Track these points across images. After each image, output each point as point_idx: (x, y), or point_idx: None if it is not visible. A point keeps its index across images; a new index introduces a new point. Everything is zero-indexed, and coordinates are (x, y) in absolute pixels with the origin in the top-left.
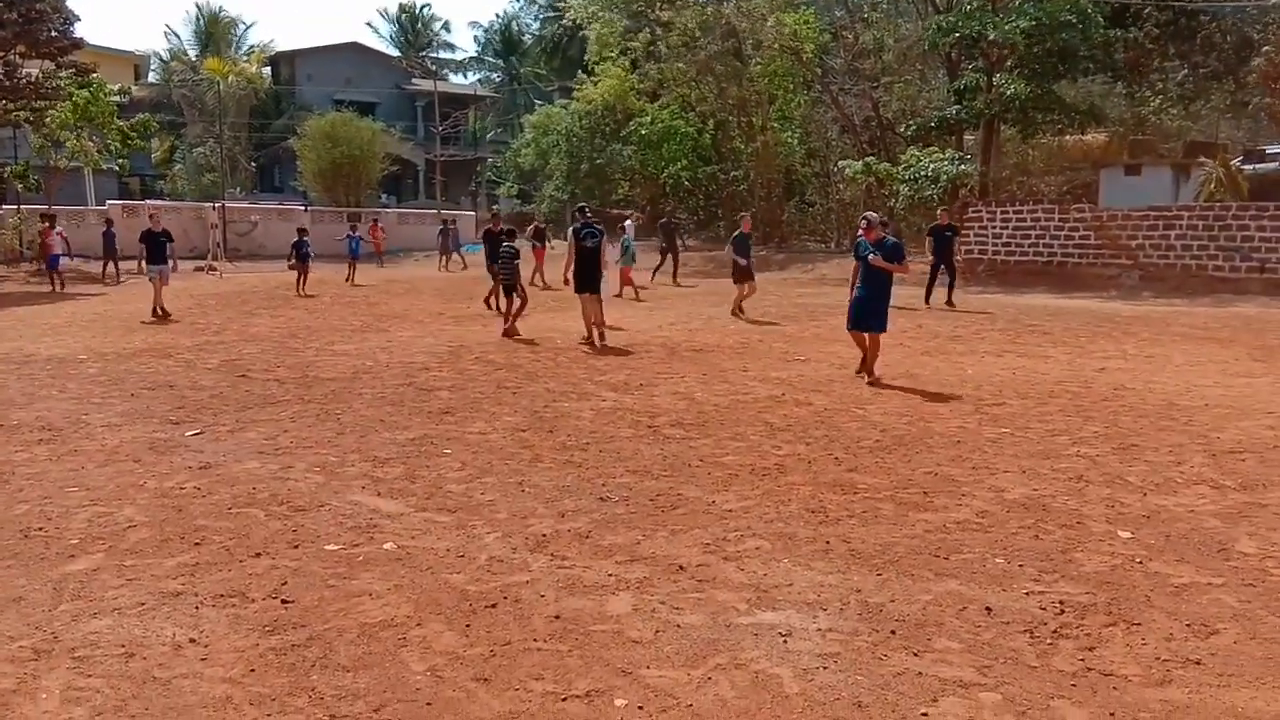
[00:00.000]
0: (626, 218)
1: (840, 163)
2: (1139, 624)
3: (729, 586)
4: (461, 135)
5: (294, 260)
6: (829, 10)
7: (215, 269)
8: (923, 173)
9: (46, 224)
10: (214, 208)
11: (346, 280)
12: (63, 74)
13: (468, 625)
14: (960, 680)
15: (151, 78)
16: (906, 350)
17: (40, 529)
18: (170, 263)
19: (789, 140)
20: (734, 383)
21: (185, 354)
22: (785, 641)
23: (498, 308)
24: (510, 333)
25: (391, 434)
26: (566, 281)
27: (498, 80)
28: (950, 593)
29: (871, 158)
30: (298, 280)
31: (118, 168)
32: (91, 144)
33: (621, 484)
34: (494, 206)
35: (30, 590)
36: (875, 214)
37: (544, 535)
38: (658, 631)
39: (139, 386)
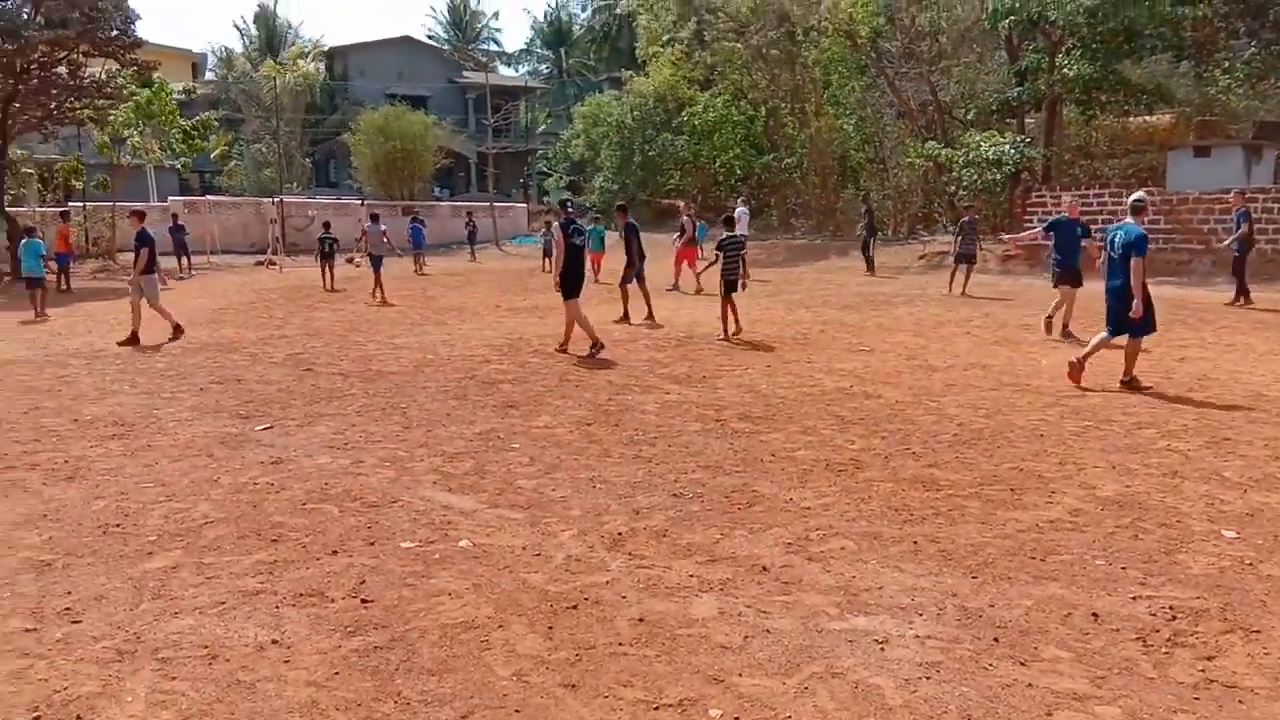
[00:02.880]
0: (683, 208)
1: (897, 148)
2: (1258, 631)
3: (817, 589)
4: (513, 127)
5: (319, 255)
6: None
7: (275, 264)
8: (984, 157)
9: (61, 220)
10: (272, 203)
11: (415, 271)
12: (125, 73)
13: (550, 627)
14: (1074, 693)
15: (209, 75)
16: (975, 340)
17: (118, 525)
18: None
19: (843, 126)
20: (799, 374)
21: (251, 348)
22: (882, 649)
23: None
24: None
25: (458, 428)
26: (557, 286)
27: (547, 72)
28: (1052, 597)
29: (930, 142)
30: (323, 275)
31: (179, 165)
32: (154, 142)
33: (694, 480)
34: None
35: (111, 588)
36: (1144, 194)
37: (620, 533)
38: (747, 637)
39: (207, 381)
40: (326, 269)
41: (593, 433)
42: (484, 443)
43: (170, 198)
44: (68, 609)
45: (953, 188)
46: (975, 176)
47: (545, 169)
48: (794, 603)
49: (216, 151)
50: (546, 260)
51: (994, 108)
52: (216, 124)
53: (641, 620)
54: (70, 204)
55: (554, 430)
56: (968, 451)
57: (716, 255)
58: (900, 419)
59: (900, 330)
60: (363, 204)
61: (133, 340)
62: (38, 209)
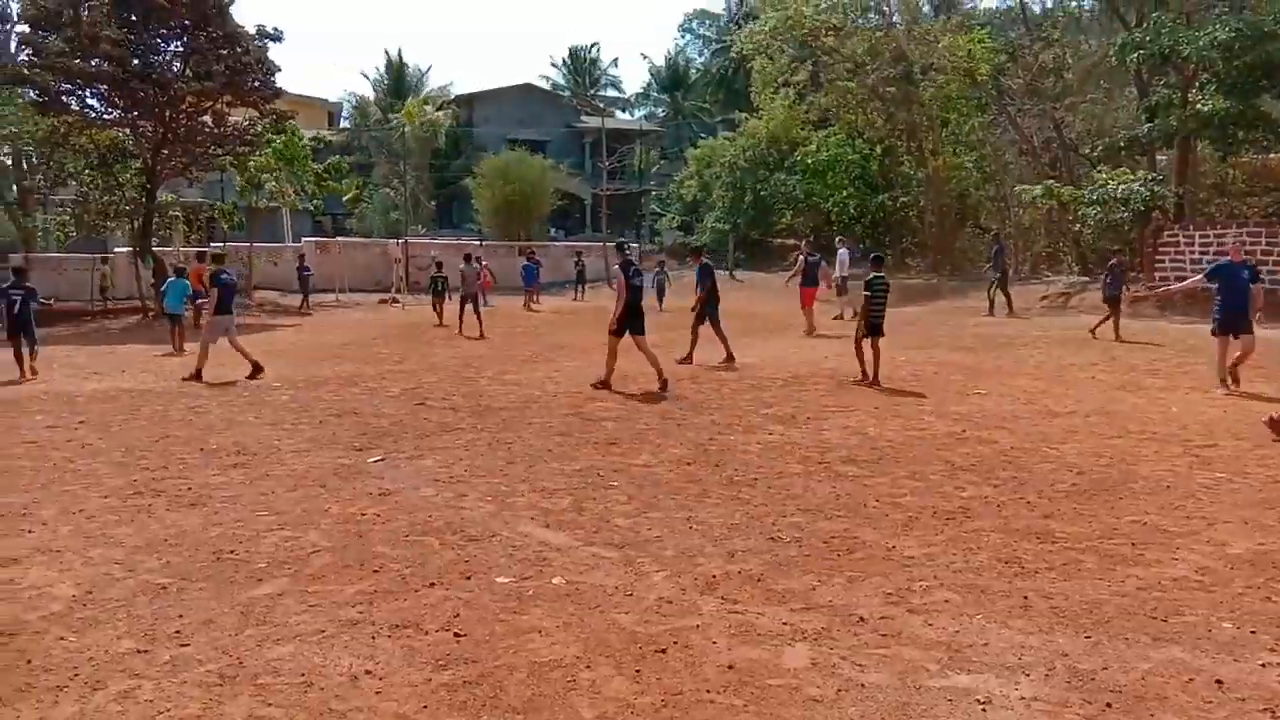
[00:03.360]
0: (803, 246)
1: (1018, 187)
2: None
3: (916, 643)
4: (627, 169)
5: (432, 293)
6: (1006, 30)
7: (398, 301)
8: (1111, 195)
9: (198, 261)
10: (397, 244)
11: (524, 307)
12: (264, 121)
13: (638, 670)
14: None
15: (343, 123)
16: (1100, 385)
17: (232, 552)
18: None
19: (963, 165)
20: (909, 417)
21: (370, 382)
22: (984, 710)
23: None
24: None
25: (559, 464)
26: (613, 330)
27: (663, 115)
28: (1172, 661)
29: (1053, 181)
30: (435, 311)
31: (312, 208)
32: (289, 186)
33: (793, 524)
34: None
35: (220, 613)
36: None
37: (714, 576)
38: (840, 690)
39: (326, 413)
40: (438, 305)
41: (692, 472)
42: (583, 480)
43: (304, 239)
44: (178, 632)
45: (1077, 226)
46: (1100, 216)
47: (658, 209)
48: (892, 656)
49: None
50: (659, 301)
51: (1122, 145)
52: (347, 168)
53: (731, 668)
54: (212, 245)
55: (653, 469)
56: (1087, 502)
57: (864, 296)
58: (1015, 466)
59: (1019, 373)
60: (480, 244)
61: (196, 377)
62: (182, 249)
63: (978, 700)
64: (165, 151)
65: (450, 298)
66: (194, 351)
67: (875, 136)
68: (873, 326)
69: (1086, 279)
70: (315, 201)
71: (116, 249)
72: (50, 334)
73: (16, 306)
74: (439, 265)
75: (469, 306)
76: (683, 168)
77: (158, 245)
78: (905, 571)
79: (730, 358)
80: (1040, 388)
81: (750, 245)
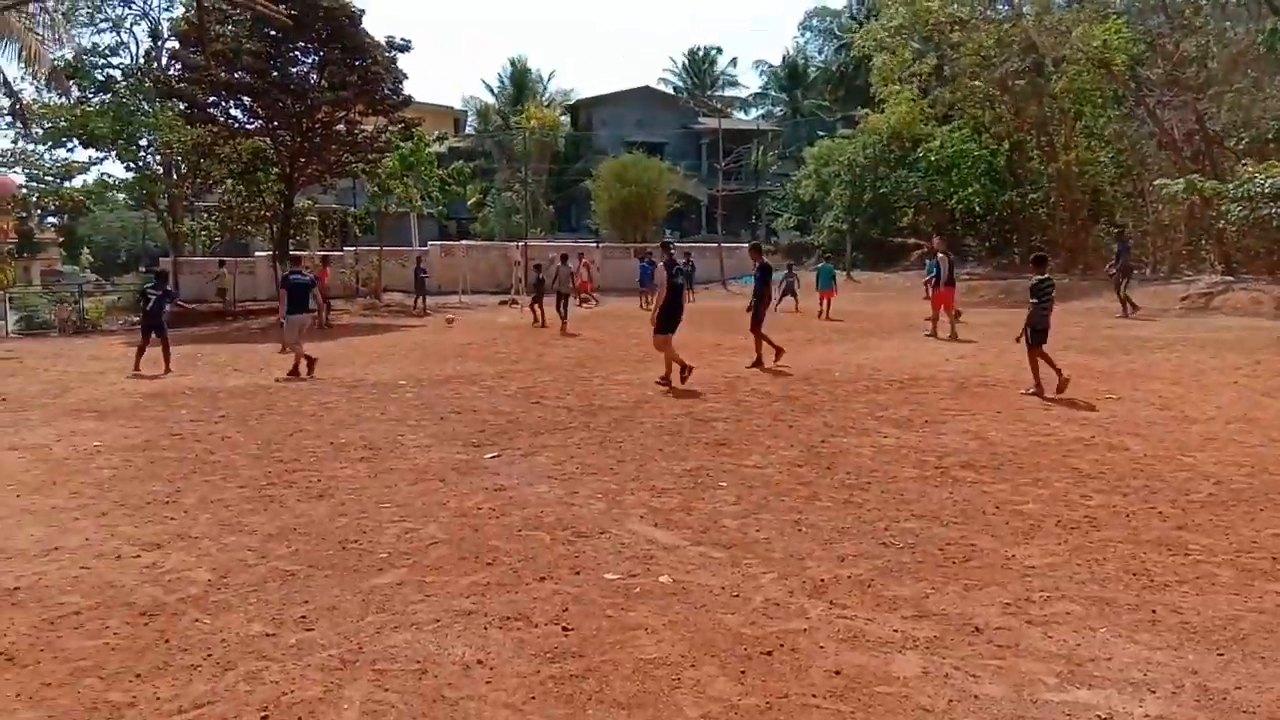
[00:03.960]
0: (936, 244)
1: (1157, 181)
2: None
3: (1034, 655)
4: (743, 170)
5: (514, 295)
6: (1144, 18)
7: (517, 303)
8: (1259, 190)
9: (324, 265)
10: (517, 247)
11: (641, 307)
12: (393, 129)
13: (742, 672)
14: None
15: (468, 130)
16: (1242, 390)
17: (356, 542)
18: (311, 310)
19: (1097, 159)
20: (1033, 421)
21: (489, 381)
22: None
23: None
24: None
25: (669, 463)
26: (657, 329)
27: (780, 114)
28: None
29: (1195, 175)
30: (535, 314)
31: (436, 213)
32: (415, 191)
33: (906, 529)
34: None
35: (343, 600)
36: None
37: (822, 580)
38: (951, 701)
39: (448, 410)
40: (536, 307)
41: (803, 474)
42: (693, 480)
43: (429, 242)
44: (303, 617)
45: (1220, 223)
46: (1246, 212)
47: (774, 209)
48: (1007, 668)
49: (472, 199)
50: (786, 302)
51: (1271, 136)
52: (470, 172)
53: (838, 673)
54: (345, 249)
55: (764, 470)
56: (1224, 514)
57: (1030, 303)
58: (1147, 474)
59: (1154, 377)
60: (598, 247)
61: (294, 374)
62: (317, 252)
63: (1098, 716)
64: (302, 159)
65: (510, 303)
66: (327, 349)
67: (1003, 131)
68: (1038, 333)
69: (1230, 279)
70: (440, 206)
71: (258, 253)
72: (197, 333)
73: (150, 304)
74: (538, 268)
75: (563, 305)
76: (800, 167)
77: (294, 249)
78: (1024, 581)
79: (759, 363)
80: (1177, 393)
81: (869, 245)
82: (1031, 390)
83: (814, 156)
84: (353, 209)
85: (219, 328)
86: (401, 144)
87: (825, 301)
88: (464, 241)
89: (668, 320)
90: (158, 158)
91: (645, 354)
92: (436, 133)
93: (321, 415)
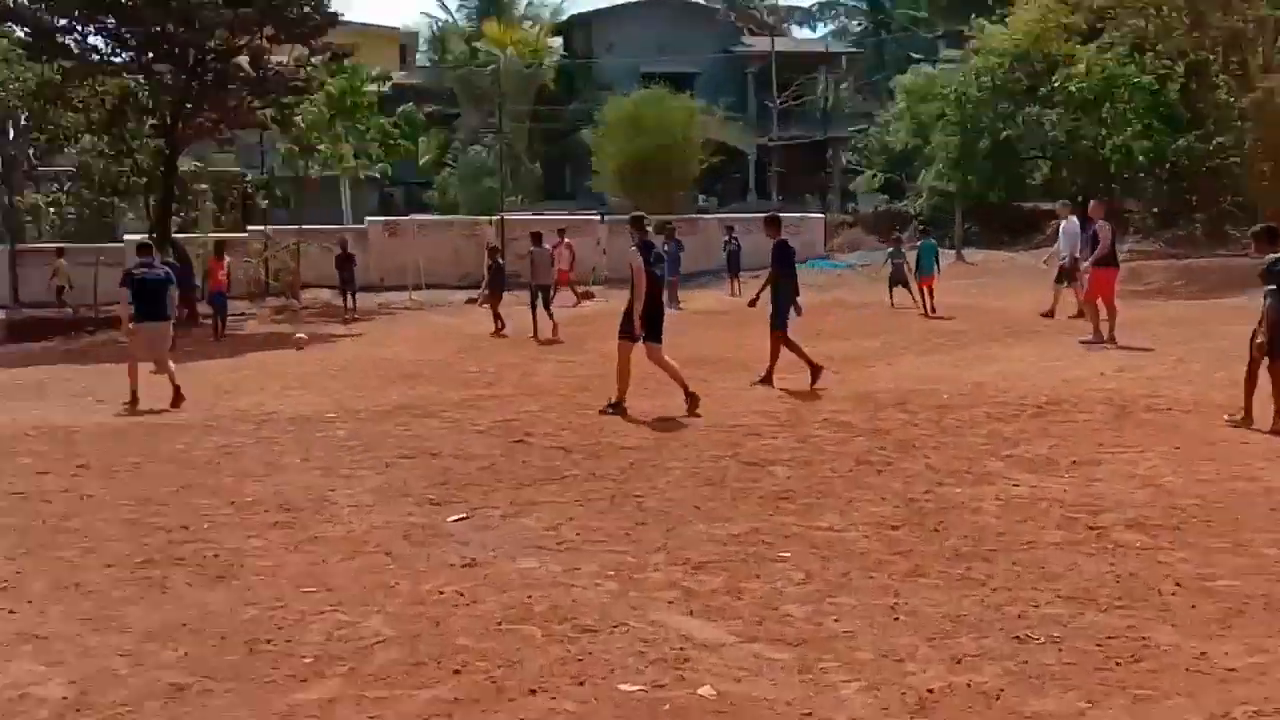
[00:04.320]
0: (1091, 209)
1: None
2: None
3: None
4: (808, 110)
5: (485, 291)
6: None
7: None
8: None
9: (219, 254)
10: (490, 223)
11: (731, 294)
12: (314, 60)
13: None
14: None
15: (420, 60)
16: None
17: (269, 641)
18: (167, 317)
19: None
20: (1227, 460)
21: (451, 412)
22: None
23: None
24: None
25: (708, 526)
26: (625, 333)
27: (859, 29)
28: None
29: None
30: (494, 317)
31: (378, 174)
32: (348, 146)
33: (1049, 616)
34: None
35: None
36: None
37: (930, 691)
38: None
39: (395, 454)
40: (492, 305)
41: (899, 540)
42: (743, 548)
43: (368, 219)
44: None
45: None
46: None
47: (852, 164)
48: None
49: (426, 157)
50: (896, 294)
51: None
52: (423, 120)
53: None
54: (250, 229)
55: (843, 534)
56: None
57: (1266, 299)
58: None
59: None
60: (602, 220)
61: (131, 405)
62: (211, 234)
63: None
64: (189, 105)
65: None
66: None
67: (1175, 49)
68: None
69: None
70: (381, 166)
71: (128, 236)
72: (41, 349)
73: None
74: (494, 251)
75: (539, 302)
76: (888, 104)
77: (179, 230)
78: (1222, 690)
79: (768, 377)
80: None
81: (985, 213)
82: (1237, 418)
83: (907, 90)
84: (260, 174)
85: (70, 341)
86: (328, 81)
87: (925, 291)
88: (416, 216)
89: (649, 323)
90: None
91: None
92: (377, 68)
93: (220, 463)
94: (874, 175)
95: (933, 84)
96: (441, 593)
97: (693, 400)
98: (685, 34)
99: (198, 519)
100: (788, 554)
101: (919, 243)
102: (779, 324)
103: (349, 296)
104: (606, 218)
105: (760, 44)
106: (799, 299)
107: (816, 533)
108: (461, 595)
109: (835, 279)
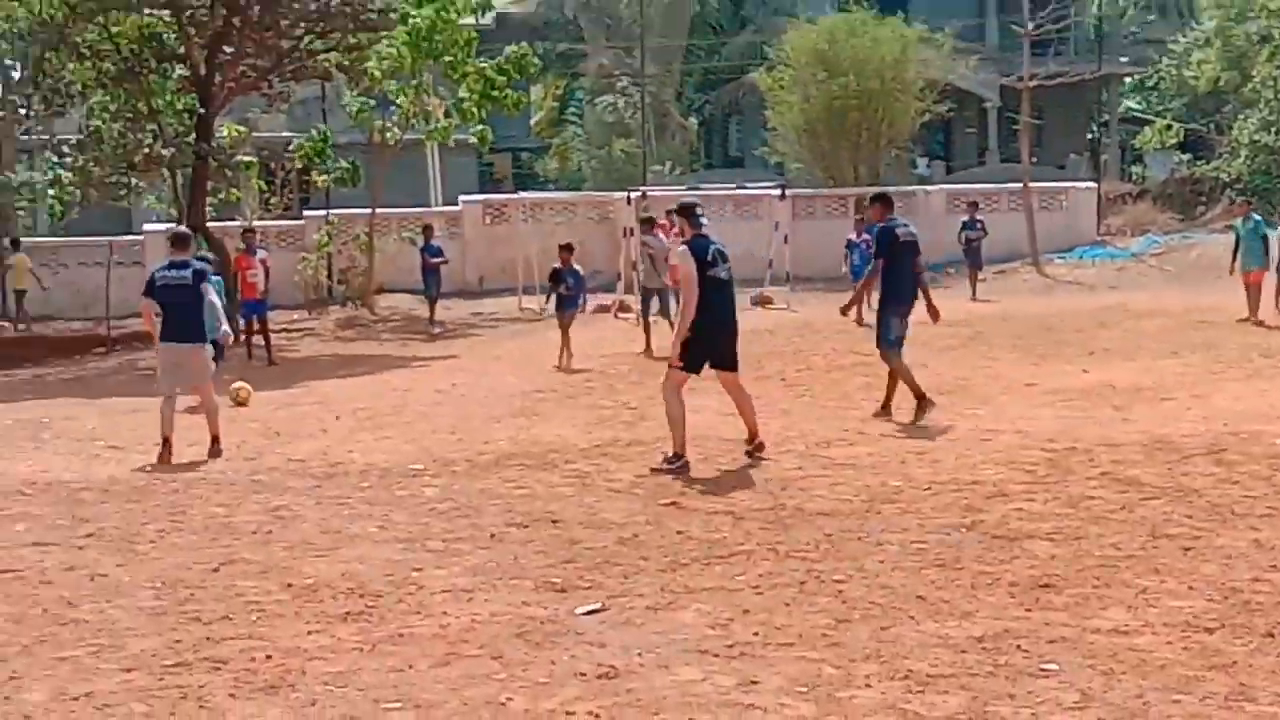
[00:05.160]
0: None
1: None
2: None
3: None
4: (1072, 37)
5: (551, 304)
6: None
7: (630, 310)
8: None
9: (243, 248)
10: (629, 200)
11: (973, 298)
12: None
13: None
14: None
15: None
16: None
17: None
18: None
19: None
20: None
21: (576, 461)
22: None
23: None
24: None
25: (938, 625)
26: (676, 362)
27: None
28: None
29: None
30: (563, 338)
31: (475, 139)
32: (437, 100)
33: None
34: (1148, 170)
35: None
36: None
37: None
38: None
39: (502, 522)
40: (561, 322)
41: (1215, 647)
42: (988, 658)
43: (461, 197)
44: None
45: None
46: None
47: (1136, 111)
48: None
49: (540, 114)
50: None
51: None
52: (538, 64)
53: None
54: (307, 214)
55: (1133, 638)
56: None
57: None
58: None
59: None
60: (782, 195)
61: (163, 454)
62: (257, 220)
63: None
64: (228, 49)
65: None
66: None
67: None
68: None
69: None
70: (478, 130)
71: (147, 225)
72: (35, 376)
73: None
74: (567, 249)
75: (651, 307)
76: (1187, 27)
77: (217, 215)
78: None
79: (885, 408)
80: None
81: None
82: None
83: (1217, 3)
84: (316, 137)
85: (76, 366)
86: (412, 12)
87: (1252, 290)
88: (526, 194)
89: (711, 343)
90: None
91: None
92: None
93: (271, 532)
94: (1168, 126)
95: None
96: (569, 713)
97: (758, 448)
98: None
99: (243, 608)
100: (1054, 665)
101: (1238, 221)
102: (886, 341)
103: (433, 306)
104: (788, 192)
105: None
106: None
107: (1095, 636)
108: (596, 718)
109: (1115, 273)
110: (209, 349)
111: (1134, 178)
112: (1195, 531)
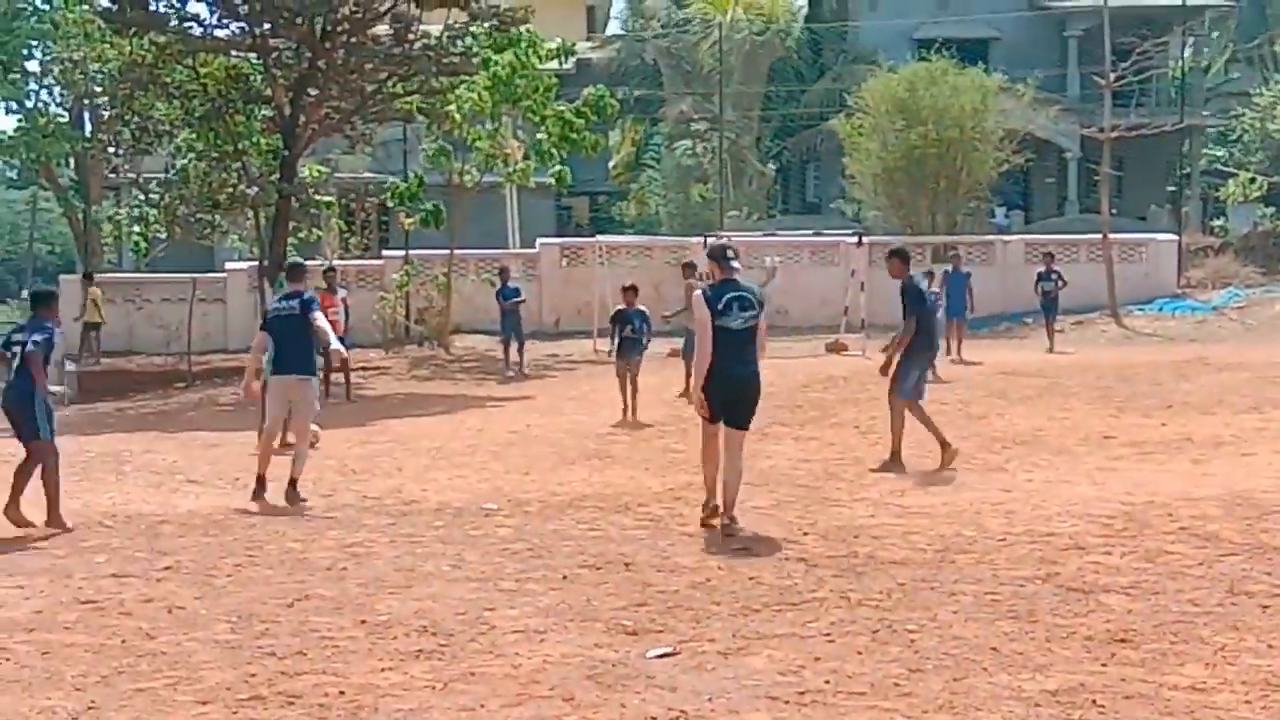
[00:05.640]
0: None
1: None
2: None
3: None
4: (1154, 88)
5: (613, 347)
6: None
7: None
8: None
9: (324, 287)
10: (705, 245)
11: (1050, 350)
12: (476, 30)
13: None
14: None
15: (613, 28)
16: None
17: None
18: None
19: None
20: None
21: (652, 506)
22: None
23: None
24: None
25: (1011, 678)
26: (701, 403)
27: None
28: None
29: None
30: (623, 387)
31: (553, 180)
32: (516, 143)
33: None
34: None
35: None
36: None
37: None
38: None
39: (575, 563)
40: (626, 380)
41: None
42: (1062, 712)
43: (539, 239)
44: None
45: None
46: None
47: (1220, 163)
48: None
49: (617, 157)
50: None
51: None
52: (616, 106)
53: None
54: (387, 253)
55: (1211, 695)
56: None
57: None
58: None
59: None
60: (859, 242)
61: (257, 493)
62: (336, 259)
63: None
64: (313, 90)
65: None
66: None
67: None
68: None
69: None
70: (556, 170)
71: (229, 264)
72: (119, 411)
73: (15, 365)
74: (629, 291)
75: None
76: (1272, 79)
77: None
78: None
79: (894, 458)
80: None
81: None
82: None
83: None
84: (400, 181)
85: (160, 399)
86: (494, 57)
87: None
88: (602, 238)
89: (725, 397)
90: (58, 92)
91: (960, 456)
92: (557, 39)
93: (345, 569)
94: (1251, 179)
95: None
96: None
97: (731, 520)
98: None
99: (317, 643)
100: None
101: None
102: (904, 391)
103: (512, 346)
104: (865, 239)
105: None
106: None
107: (1172, 693)
108: None
109: (1195, 326)
110: (314, 382)
111: (1216, 230)
112: (1274, 589)
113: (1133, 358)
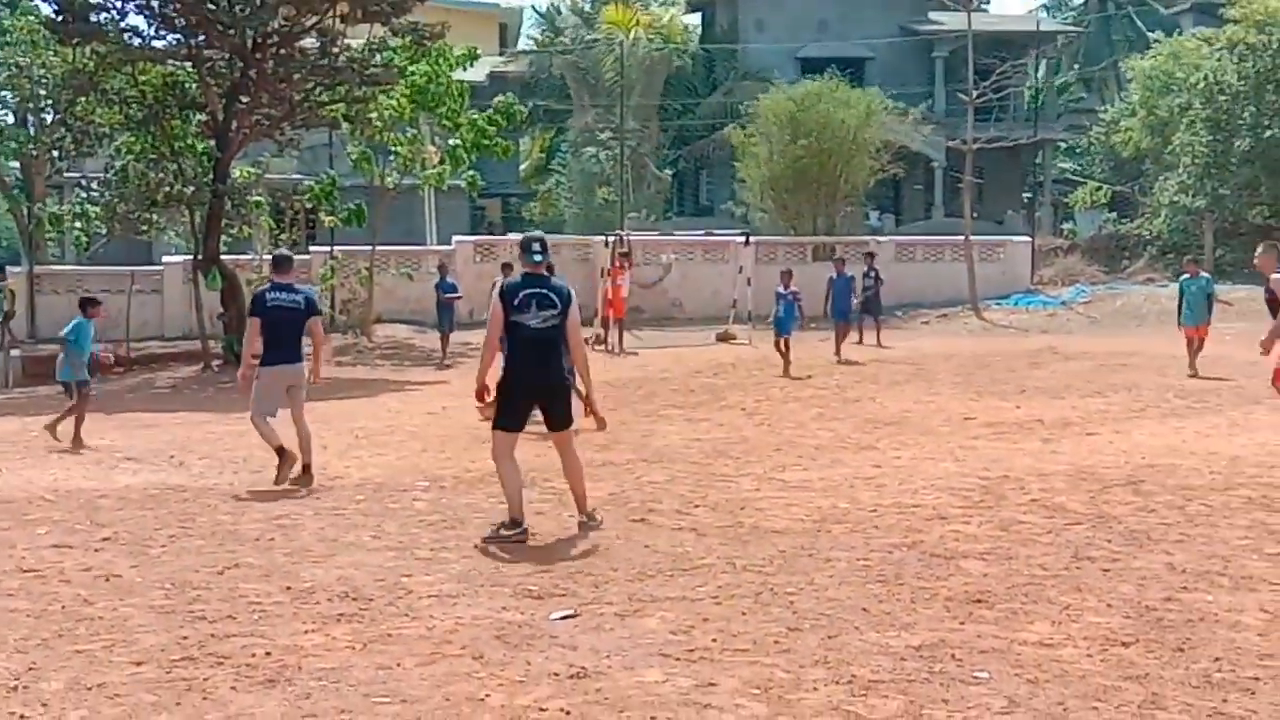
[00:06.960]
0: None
1: None
2: None
3: None
4: (1012, 105)
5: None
6: None
7: (605, 342)
8: None
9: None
10: (607, 243)
11: (835, 355)
12: (396, 43)
13: None
14: None
15: (524, 43)
16: None
17: None
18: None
19: None
20: None
21: (555, 479)
22: None
23: None
24: None
25: (880, 635)
26: (483, 403)
27: (1079, 2)
28: None
29: None
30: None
31: (465, 184)
32: (433, 147)
33: None
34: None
35: None
36: None
37: None
38: None
39: (485, 533)
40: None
41: (1130, 660)
42: (925, 665)
43: (455, 237)
44: None
45: None
46: None
47: (1069, 173)
48: None
49: (527, 162)
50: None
51: None
52: (525, 115)
53: None
54: (314, 248)
55: (1057, 650)
56: None
57: None
58: None
59: None
60: (746, 241)
61: (281, 466)
62: (264, 254)
63: None
64: (244, 98)
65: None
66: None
67: None
68: None
69: None
70: (469, 175)
71: (166, 257)
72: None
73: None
74: (507, 268)
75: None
76: (1115, 98)
77: (229, 251)
78: None
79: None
80: None
81: (1242, 236)
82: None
83: (1142, 76)
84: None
85: (98, 384)
86: (412, 68)
87: (1194, 343)
88: (514, 235)
89: (509, 398)
90: (5, 96)
91: (834, 436)
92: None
93: (273, 539)
94: (1097, 188)
95: (1175, 69)
96: (543, 709)
97: (589, 517)
98: (854, 8)
99: (245, 608)
100: (985, 674)
101: (1184, 278)
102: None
103: (446, 338)
104: (752, 239)
105: (953, 22)
106: None
107: (1022, 648)
108: (567, 714)
109: (1046, 319)
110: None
111: (1065, 233)
112: (1114, 554)
113: (991, 347)
